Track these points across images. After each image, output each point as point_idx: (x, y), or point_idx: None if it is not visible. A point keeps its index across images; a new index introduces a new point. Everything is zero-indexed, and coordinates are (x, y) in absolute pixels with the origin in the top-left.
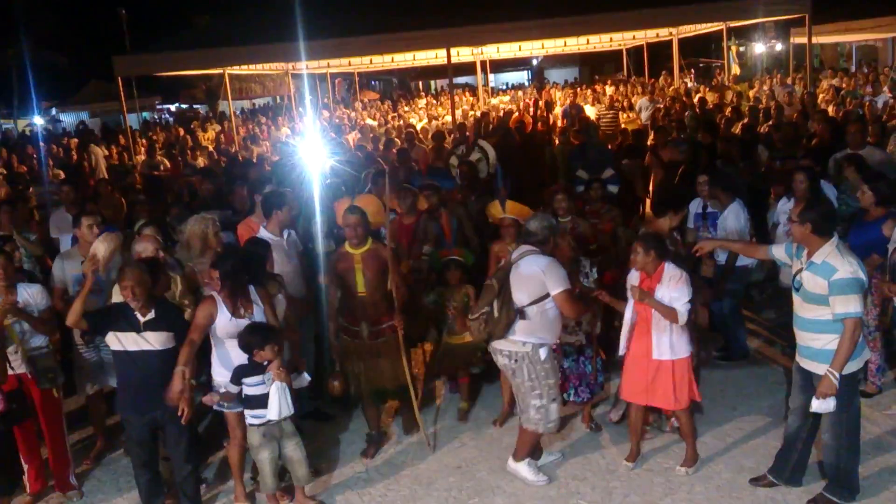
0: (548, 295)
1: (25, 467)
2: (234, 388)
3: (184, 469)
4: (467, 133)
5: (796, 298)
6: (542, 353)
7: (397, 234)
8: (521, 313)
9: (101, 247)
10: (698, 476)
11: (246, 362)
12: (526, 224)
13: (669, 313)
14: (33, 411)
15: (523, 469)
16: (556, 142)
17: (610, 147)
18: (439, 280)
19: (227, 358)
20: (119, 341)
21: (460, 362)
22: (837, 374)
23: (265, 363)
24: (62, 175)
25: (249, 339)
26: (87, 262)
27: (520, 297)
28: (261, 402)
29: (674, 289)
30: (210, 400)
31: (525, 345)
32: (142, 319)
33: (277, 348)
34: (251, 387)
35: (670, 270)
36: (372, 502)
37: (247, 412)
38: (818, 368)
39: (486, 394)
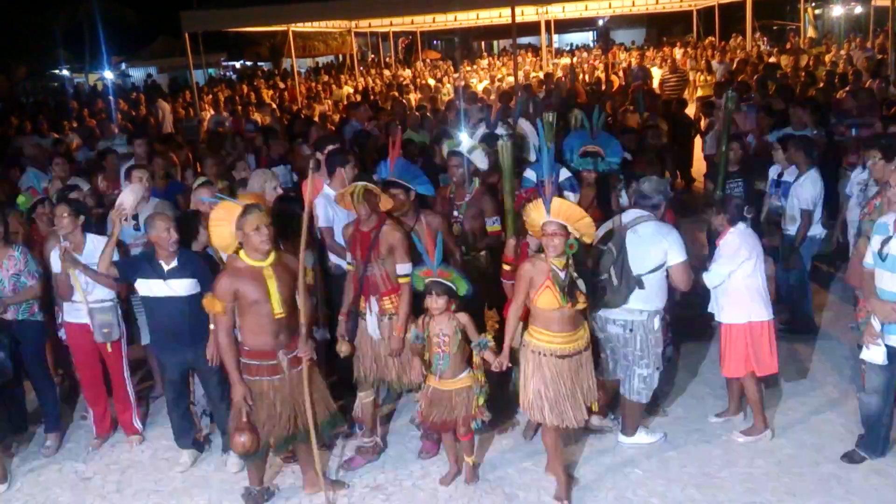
0: (664, 264)
1: (90, 411)
2: None
3: (219, 407)
4: (490, 104)
5: (880, 273)
6: (656, 321)
7: (352, 245)
8: (639, 282)
9: (128, 197)
10: (758, 450)
11: None
12: (639, 186)
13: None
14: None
15: (639, 439)
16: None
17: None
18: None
19: None
20: (148, 287)
21: (458, 413)
22: None
23: None
24: (130, 128)
25: None
26: (113, 211)
27: (637, 264)
28: None
29: (720, 251)
30: None
31: (642, 313)
32: (166, 268)
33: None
34: None
35: (728, 236)
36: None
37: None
38: None
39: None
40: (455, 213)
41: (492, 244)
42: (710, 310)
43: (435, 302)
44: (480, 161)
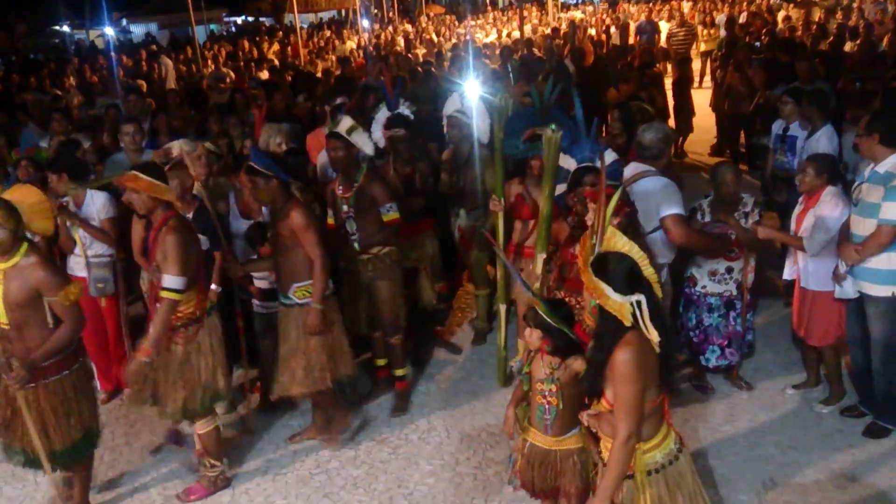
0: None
1: (94, 367)
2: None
3: None
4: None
5: (853, 218)
6: (662, 275)
7: (150, 246)
8: None
9: (181, 146)
10: (761, 404)
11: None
12: (639, 136)
13: (794, 241)
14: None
15: None
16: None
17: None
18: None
19: (241, 256)
20: None
21: (567, 482)
22: (858, 258)
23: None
24: (144, 86)
25: (250, 234)
26: (159, 151)
27: None
28: (268, 295)
29: (820, 213)
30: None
31: None
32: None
33: None
34: (259, 279)
35: (826, 196)
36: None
37: (255, 301)
38: (874, 290)
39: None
40: (345, 207)
41: (389, 237)
42: (785, 276)
43: (530, 335)
44: (365, 144)
